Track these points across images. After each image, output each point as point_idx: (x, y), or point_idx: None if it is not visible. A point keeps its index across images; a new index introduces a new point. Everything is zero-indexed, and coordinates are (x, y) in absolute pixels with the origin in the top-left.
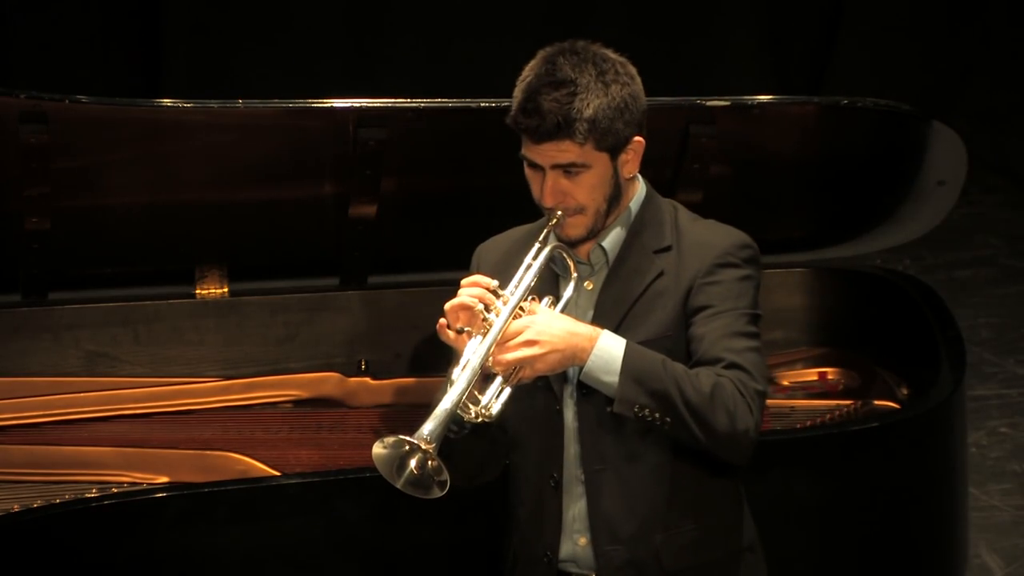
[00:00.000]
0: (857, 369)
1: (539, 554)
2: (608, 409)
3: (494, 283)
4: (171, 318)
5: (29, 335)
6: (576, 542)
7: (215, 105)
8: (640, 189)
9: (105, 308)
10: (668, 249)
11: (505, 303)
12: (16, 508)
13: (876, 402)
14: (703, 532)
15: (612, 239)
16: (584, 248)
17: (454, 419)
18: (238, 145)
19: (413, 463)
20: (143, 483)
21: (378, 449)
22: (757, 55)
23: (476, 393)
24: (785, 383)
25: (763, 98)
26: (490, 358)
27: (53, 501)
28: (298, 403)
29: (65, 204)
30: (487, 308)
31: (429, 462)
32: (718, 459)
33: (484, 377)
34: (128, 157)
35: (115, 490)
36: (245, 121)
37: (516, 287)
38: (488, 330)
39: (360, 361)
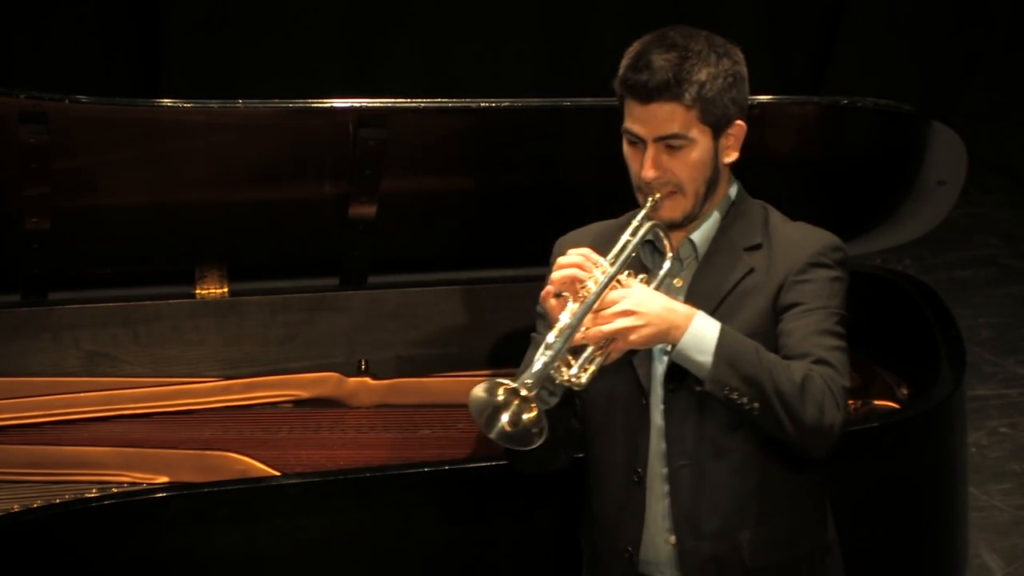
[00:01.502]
0: (857, 369)
1: (620, 549)
2: (698, 388)
3: (595, 255)
4: (171, 318)
5: (29, 335)
6: (666, 540)
7: (215, 105)
8: (733, 185)
9: (105, 308)
10: (758, 247)
11: (604, 273)
12: (16, 508)
13: (876, 402)
14: (787, 529)
15: (702, 233)
16: (674, 240)
17: (546, 382)
18: (238, 145)
19: (508, 414)
20: (143, 483)
21: (476, 392)
22: (757, 55)
23: (570, 359)
24: None
25: (763, 98)
26: (584, 326)
27: (53, 501)
28: (298, 403)
29: (65, 204)
30: (587, 277)
31: (525, 413)
32: (804, 455)
33: (577, 349)
34: (128, 157)
35: (115, 490)
36: (245, 121)
37: (615, 259)
38: (586, 297)
39: (360, 361)
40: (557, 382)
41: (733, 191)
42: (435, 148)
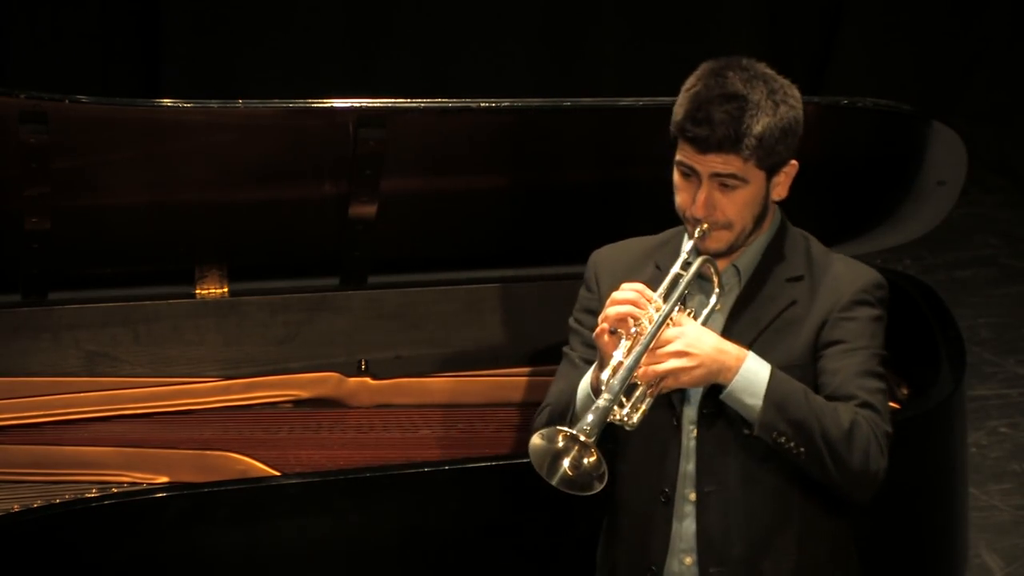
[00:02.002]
0: None
1: (644, 567)
2: (745, 432)
3: (649, 291)
4: (171, 318)
5: (29, 335)
6: (682, 561)
7: (215, 105)
8: (777, 215)
9: (105, 308)
10: (800, 279)
11: (658, 310)
12: (16, 508)
13: None
14: (810, 563)
15: (747, 261)
16: (718, 266)
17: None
18: (238, 145)
19: (568, 460)
20: (143, 483)
21: (535, 441)
22: (757, 55)
23: (622, 398)
24: None
25: None
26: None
27: (53, 501)
28: (298, 403)
29: (65, 204)
30: (640, 313)
31: (586, 459)
32: (836, 494)
33: (628, 387)
34: (128, 157)
35: (115, 490)
36: (245, 121)
37: (668, 296)
38: (639, 336)
39: (360, 361)
40: (609, 420)
41: (777, 219)
42: (435, 148)
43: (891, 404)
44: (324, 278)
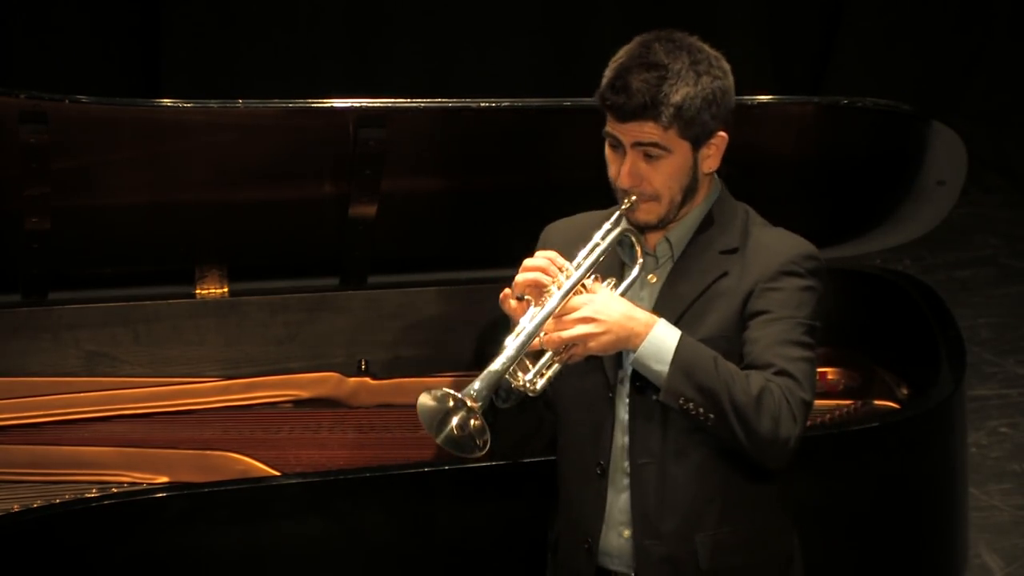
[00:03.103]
0: (857, 369)
1: (580, 539)
2: (654, 398)
3: (560, 259)
4: (171, 318)
5: (29, 335)
6: (620, 534)
7: (215, 105)
8: (715, 187)
9: (105, 308)
10: (735, 251)
11: (568, 278)
12: (16, 508)
13: (876, 402)
14: (743, 535)
15: (680, 233)
16: (652, 239)
17: (502, 386)
18: (238, 145)
19: (455, 420)
20: (143, 483)
21: (424, 399)
22: (757, 55)
23: (527, 363)
24: None
25: (763, 98)
26: (544, 331)
27: (53, 501)
28: (298, 403)
29: (65, 204)
30: (550, 281)
31: (472, 421)
32: (760, 465)
33: (536, 353)
34: (128, 157)
35: (115, 490)
36: (245, 121)
37: (580, 264)
38: (548, 302)
39: (360, 361)
40: (512, 387)
41: (716, 192)
42: (435, 148)
43: (891, 404)
44: (324, 278)
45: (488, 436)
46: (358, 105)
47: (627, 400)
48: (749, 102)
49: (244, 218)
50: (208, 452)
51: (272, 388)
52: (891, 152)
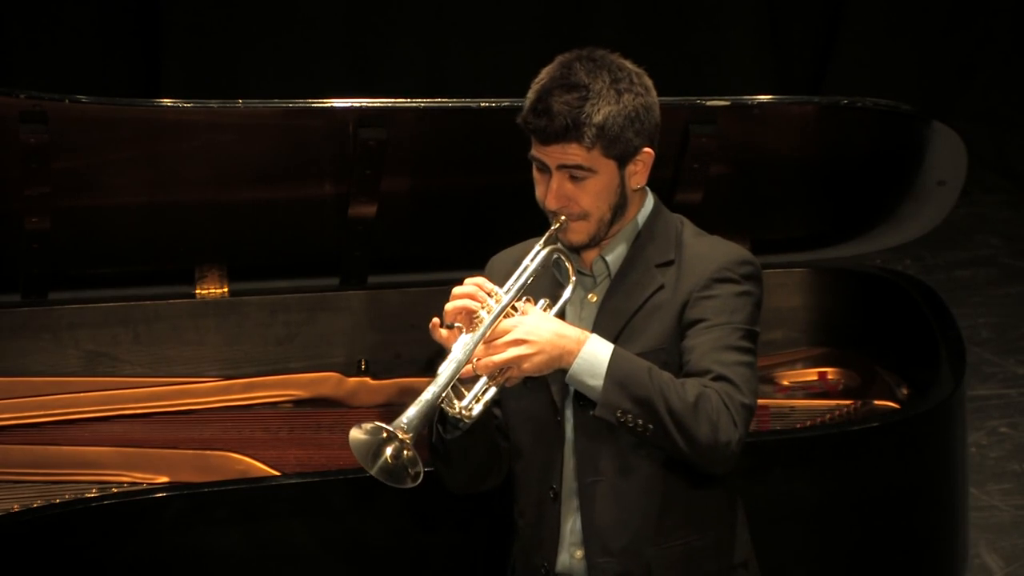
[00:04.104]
0: (857, 369)
1: (537, 565)
2: (591, 413)
3: (489, 284)
4: (171, 318)
5: (29, 335)
6: (572, 555)
7: (215, 105)
8: (648, 202)
9: (105, 308)
10: (670, 263)
11: (498, 302)
12: (16, 508)
13: (876, 402)
14: (696, 547)
15: (616, 251)
16: (588, 258)
17: (444, 418)
18: (238, 145)
19: (389, 451)
20: (143, 483)
21: (355, 433)
22: (757, 55)
23: (463, 390)
24: (785, 383)
25: (763, 98)
26: (475, 357)
27: (53, 501)
28: (298, 403)
29: (65, 204)
30: (479, 307)
31: (404, 452)
32: (705, 472)
33: (472, 379)
34: (128, 157)
35: (115, 490)
36: (245, 121)
37: (510, 288)
38: (477, 328)
39: (360, 361)
40: (449, 415)
41: (648, 207)
42: (435, 148)
43: (891, 404)
44: (324, 278)
45: (420, 468)
46: (358, 105)
47: (573, 421)
48: (749, 102)
49: (244, 218)
50: (208, 452)
51: (272, 388)
52: (891, 152)
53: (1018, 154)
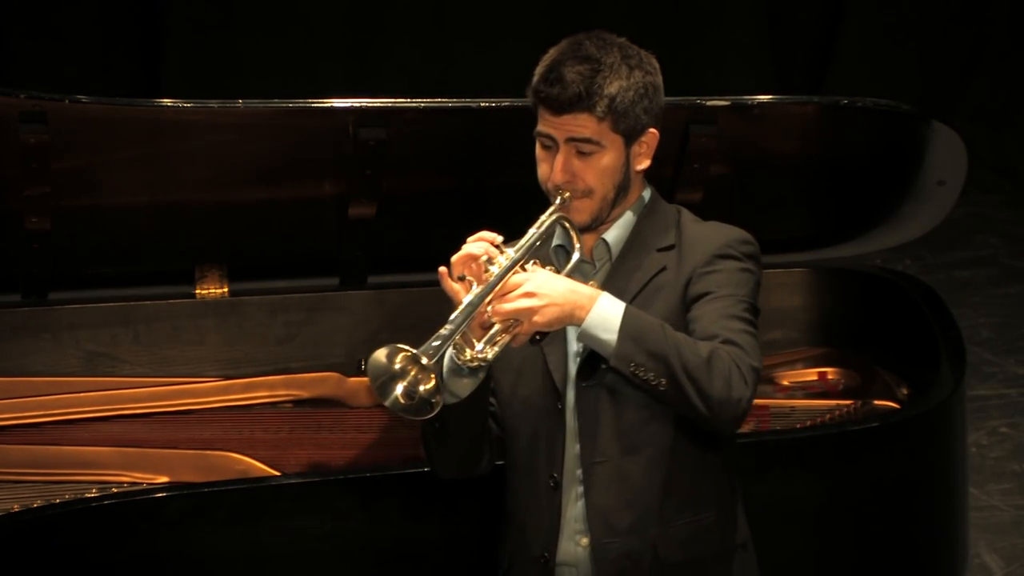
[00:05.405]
0: (857, 369)
1: (536, 555)
2: (603, 366)
3: (499, 238)
4: (171, 318)
5: (29, 335)
6: (577, 543)
7: (215, 105)
8: (646, 191)
9: (105, 308)
10: (671, 248)
11: (508, 259)
12: (16, 508)
13: (876, 402)
14: (699, 526)
15: (616, 235)
16: (588, 243)
17: (456, 371)
18: (238, 145)
19: (404, 384)
20: (143, 483)
21: (377, 355)
22: (757, 55)
23: (473, 340)
24: (785, 383)
25: (763, 98)
26: (488, 307)
27: (53, 501)
28: (298, 403)
29: (65, 204)
30: (490, 261)
31: (422, 384)
32: (713, 431)
33: (483, 328)
34: (128, 157)
35: (115, 490)
36: (245, 121)
37: (520, 247)
38: (489, 279)
39: (360, 361)
40: (461, 361)
41: (647, 195)
42: (435, 148)
43: (891, 404)
44: (324, 278)
45: (440, 397)
46: (358, 105)
47: (575, 404)
48: (749, 102)
49: (244, 218)
50: (208, 452)
51: (272, 388)
52: (891, 152)
53: (1018, 154)
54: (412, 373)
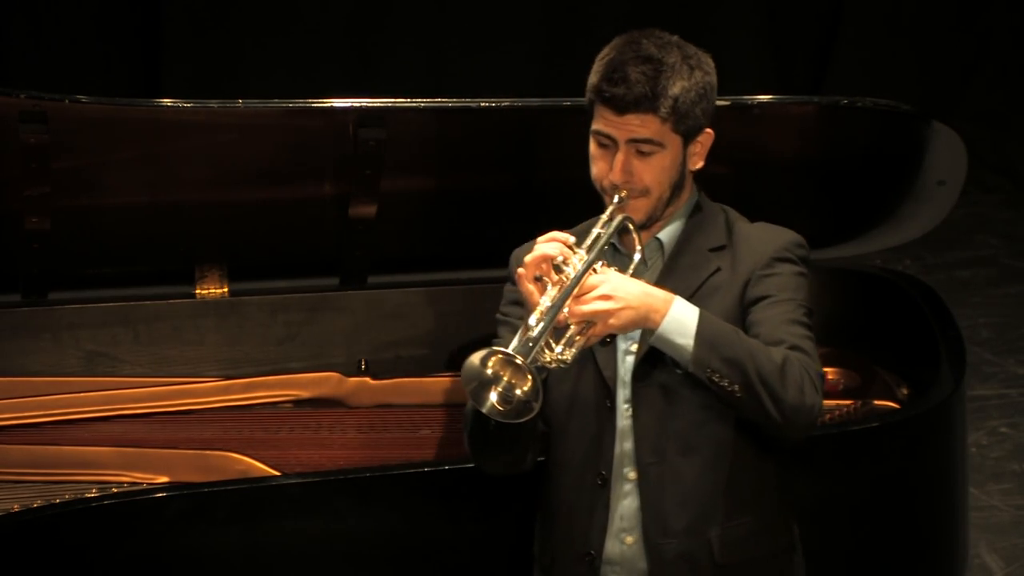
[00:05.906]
0: (857, 369)
1: (581, 553)
2: (679, 371)
3: (571, 238)
4: (171, 318)
5: (29, 335)
6: (623, 541)
7: (215, 105)
8: (694, 190)
9: (105, 308)
10: (723, 248)
11: (581, 260)
12: (16, 508)
13: (876, 402)
14: (756, 527)
15: (668, 233)
16: (641, 239)
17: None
18: (238, 145)
19: (501, 386)
20: (143, 483)
21: (472, 361)
22: (757, 55)
23: (551, 342)
24: None
25: (763, 98)
26: (566, 308)
27: (53, 501)
28: (298, 403)
29: (65, 204)
30: (564, 262)
31: (519, 388)
32: (784, 436)
33: (557, 333)
34: (128, 157)
35: (115, 490)
36: (245, 121)
37: (591, 247)
38: (565, 283)
39: (360, 361)
40: (541, 363)
41: (695, 194)
42: (435, 148)
43: (891, 404)
44: (324, 278)
45: (540, 402)
46: (358, 105)
47: (627, 406)
48: (749, 102)
49: (244, 218)
50: (208, 452)
51: (272, 388)
52: (891, 152)
53: (1018, 154)
54: (506, 377)
